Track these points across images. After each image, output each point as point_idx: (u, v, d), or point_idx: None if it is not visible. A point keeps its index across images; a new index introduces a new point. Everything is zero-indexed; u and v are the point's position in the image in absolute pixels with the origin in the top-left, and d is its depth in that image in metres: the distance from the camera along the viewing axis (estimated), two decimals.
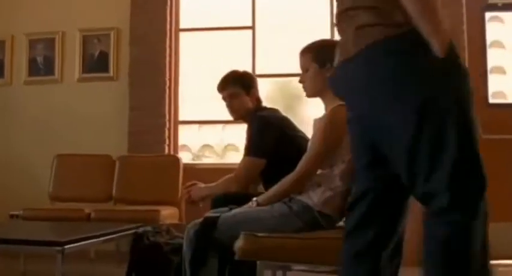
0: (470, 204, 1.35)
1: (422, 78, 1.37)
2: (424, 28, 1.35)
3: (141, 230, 2.96)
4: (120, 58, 4.73)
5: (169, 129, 4.67)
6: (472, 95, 1.40)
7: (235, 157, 4.75)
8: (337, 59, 1.59)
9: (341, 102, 2.14)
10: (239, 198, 2.42)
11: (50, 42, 4.83)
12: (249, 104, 2.84)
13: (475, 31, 4.29)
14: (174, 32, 4.77)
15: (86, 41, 4.78)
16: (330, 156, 2.12)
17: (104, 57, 4.75)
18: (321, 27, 4.54)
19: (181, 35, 4.82)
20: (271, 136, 2.64)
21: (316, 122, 2.32)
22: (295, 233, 2.03)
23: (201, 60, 4.83)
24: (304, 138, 2.75)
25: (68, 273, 2.62)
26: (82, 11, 4.80)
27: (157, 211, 3.82)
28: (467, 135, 1.36)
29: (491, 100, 4.31)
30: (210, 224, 2.12)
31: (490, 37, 4.35)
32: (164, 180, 4.28)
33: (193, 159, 4.75)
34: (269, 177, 2.63)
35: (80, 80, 4.80)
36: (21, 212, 3.92)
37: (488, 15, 4.37)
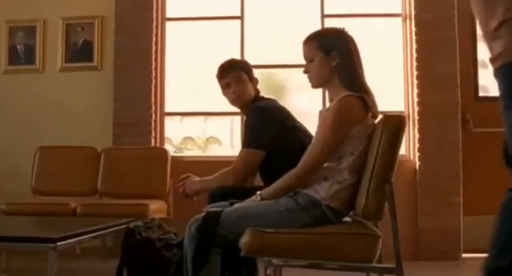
0: None
1: None
2: None
3: (132, 225, 2.87)
4: (105, 47, 4.59)
5: (155, 121, 4.54)
6: None
7: (218, 150, 4.69)
8: None
9: (348, 92, 2.07)
10: (237, 192, 2.35)
11: (31, 30, 4.65)
12: (252, 91, 2.75)
13: (466, 24, 4.28)
14: (160, 21, 4.65)
15: (69, 29, 4.62)
16: (338, 149, 2.04)
17: (88, 46, 4.60)
18: (310, 18, 4.47)
19: (168, 24, 4.70)
20: (270, 127, 2.56)
21: (322, 112, 2.24)
22: (303, 228, 1.96)
23: (188, 51, 4.73)
24: (302, 129, 2.68)
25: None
26: None
27: (146, 205, 3.70)
28: None
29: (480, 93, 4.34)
30: (212, 219, 2.03)
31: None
32: (151, 174, 4.16)
33: (175, 152, 4.64)
34: (268, 169, 2.56)
35: (63, 69, 4.64)
36: (3, 207, 3.77)
37: None
